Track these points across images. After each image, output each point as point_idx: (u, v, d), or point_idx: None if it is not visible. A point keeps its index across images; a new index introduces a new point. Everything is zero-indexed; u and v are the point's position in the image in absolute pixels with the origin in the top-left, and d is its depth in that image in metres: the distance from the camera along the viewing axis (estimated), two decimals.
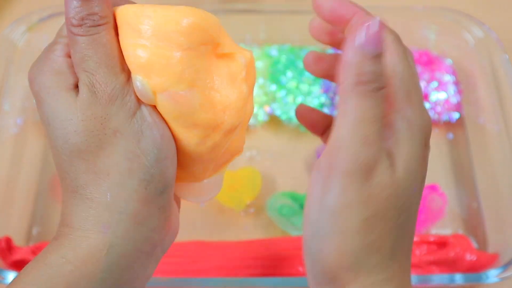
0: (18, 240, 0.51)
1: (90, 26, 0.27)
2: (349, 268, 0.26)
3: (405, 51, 0.30)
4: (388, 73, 0.28)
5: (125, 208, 0.27)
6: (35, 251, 0.49)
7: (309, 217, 0.27)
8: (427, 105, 0.60)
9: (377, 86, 0.26)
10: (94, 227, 0.27)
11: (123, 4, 0.29)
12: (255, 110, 0.59)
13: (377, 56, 0.26)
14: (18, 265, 0.48)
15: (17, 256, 0.48)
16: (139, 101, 0.28)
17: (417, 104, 0.28)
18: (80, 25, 0.27)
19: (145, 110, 0.27)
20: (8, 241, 0.49)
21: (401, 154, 0.27)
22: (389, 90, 0.28)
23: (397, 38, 0.31)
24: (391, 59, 0.29)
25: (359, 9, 0.30)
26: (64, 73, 0.28)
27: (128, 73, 0.28)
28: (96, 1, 0.27)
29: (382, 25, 0.27)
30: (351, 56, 0.26)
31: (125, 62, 0.28)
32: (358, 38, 0.26)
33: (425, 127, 0.28)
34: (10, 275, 0.44)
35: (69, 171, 0.28)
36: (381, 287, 0.26)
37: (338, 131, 0.26)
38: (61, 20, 0.67)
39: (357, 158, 0.25)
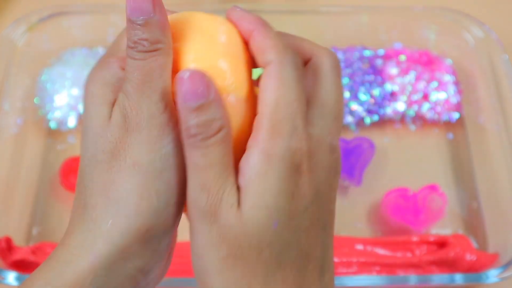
0: (18, 240, 0.51)
1: (138, 51, 0.26)
2: None
3: (289, 77, 0.27)
4: (261, 99, 0.27)
5: (120, 241, 0.26)
6: (35, 251, 0.49)
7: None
8: (427, 105, 0.60)
9: (208, 134, 0.26)
10: (86, 253, 0.26)
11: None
12: None
13: (203, 106, 0.25)
14: (18, 265, 0.48)
15: (17, 256, 0.48)
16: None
17: (284, 134, 0.26)
18: (132, 48, 0.27)
19: (171, 149, 0.26)
20: (8, 241, 0.49)
21: (250, 191, 0.26)
22: (256, 119, 0.27)
23: (284, 65, 0.27)
24: (268, 84, 0.26)
25: (256, 25, 0.29)
26: (113, 86, 0.28)
27: (168, 104, 0.27)
28: (149, 27, 0.26)
29: (198, 75, 0.26)
30: (179, 111, 0.26)
31: (170, 91, 0.27)
32: (178, 93, 0.26)
33: (290, 160, 0.26)
34: (10, 275, 0.44)
35: (88, 186, 0.27)
36: None
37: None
38: (61, 20, 0.67)
39: (197, 204, 0.26)
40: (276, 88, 0.26)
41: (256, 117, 0.27)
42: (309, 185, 0.27)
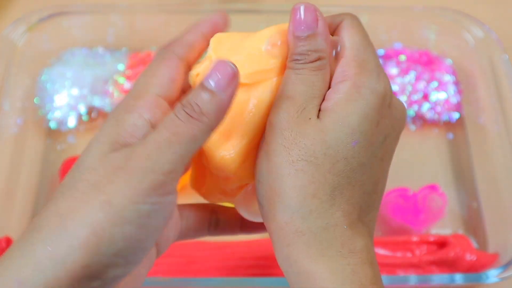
0: None
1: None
2: (289, 216, 0.27)
3: (361, 29, 0.32)
4: (343, 45, 0.30)
5: (50, 271, 0.24)
6: None
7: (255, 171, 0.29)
8: (426, 105, 0.60)
9: (307, 60, 0.29)
10: (11, 275, 0.24)
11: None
12: None
13: (309, 36, 0.29)
14: None
15: None
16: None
17: (371, 71, 0.29)
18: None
19: (151, 210, 0.25)
20: (8, 241, 0.49)
21: (336, 110, 0.28)
22: (341, 61, 0.30)
23: (355, 20, 0.33)
24: (346, 33, 0.31)
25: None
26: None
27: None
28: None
29: (310, 8, 0.30)
30: (289, 39, 0.30)
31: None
32: (292, 22, 0.29)
33: (379, 92, 0.28)
34: None
35: (82, 179, 0.26)
36: (323, 231, 0.27)
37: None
38: (61, 20, 0.67)
39: (277, 112, 0.28)
40: (356, 34, 0.31)
41: (342, 60, 0.30)
42: (389, 120, 0.29)
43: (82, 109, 0.59)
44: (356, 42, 0.30)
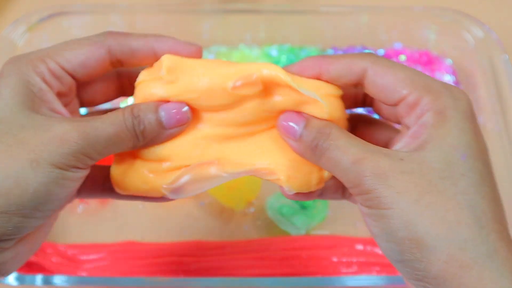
0: None
1: None
2: (445, 254, 0.26)
3: (391, 63, 0.31)
4: (392, 89, 0.30)
5: None
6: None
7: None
8: None
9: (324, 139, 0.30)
10: None
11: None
12: None
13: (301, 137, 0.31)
14: None
15: None
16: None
17: (440, 90, 0.29)
18: None
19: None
20: None
21: (428, 140, 0.27)
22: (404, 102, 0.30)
23: (379, 60, 0.31)
24: (384, 77, 0.30)
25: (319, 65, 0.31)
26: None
27: None
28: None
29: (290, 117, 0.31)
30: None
31: None
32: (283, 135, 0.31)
33: (462, 106, 0.29)
34: (10, 275, 0.44)
35: (7, 133, 0.29)
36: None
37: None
38: (61, 20, 0.67)
39: (360, 181, 0.28)
40: (392, 70, 0.30)
41: (404, 101, 0.29)
42: (479, 129, 0.29)
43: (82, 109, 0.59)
44: (402, 77, 0.29)
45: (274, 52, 0.64)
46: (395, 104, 0.30)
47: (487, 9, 0.68)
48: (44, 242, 0.51)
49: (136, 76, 0.33)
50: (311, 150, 0.30)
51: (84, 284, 0.45)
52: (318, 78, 0.31)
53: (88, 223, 0.54)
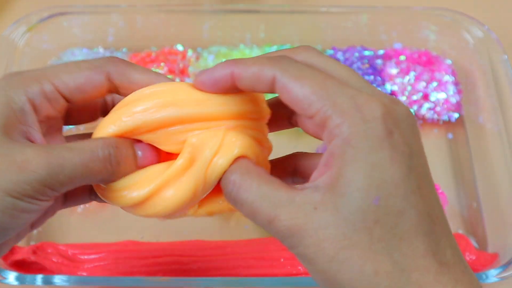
0: None
1: None
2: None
3: (299, 67, 0.28)
4: (296, 103, 0.27)
5: None
6: (35, 251, 0.49)
7: None
8: (426, 105, 0.60)
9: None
10: None
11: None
12: None
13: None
14: (19, 265, 0.48)
15: (17, 256, 0.48)
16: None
17: (348, 110, 0.26)
18: None
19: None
20: None
21: (333, 184, 0.26)
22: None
23: (291, 63, 0.28)
24: (286, 91, 0.27)
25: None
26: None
27: None
28: None
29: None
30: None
31: None
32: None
33: (375, 127, 0.25)
34: (11, 275, 0.44)
35: None
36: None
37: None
38: (61, 20, 0.67)
39: (277, 235, 0.27)
40: (298, 81, 0.27)
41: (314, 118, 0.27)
42: (402, 138, 0.26)
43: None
44: (309, 92, 0.26)
45: None
46: (309, 118, 0.27)
47: (487, 9, 0.68)
48: (44, 242, 0.51)
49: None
50: (226, 198, 0.29)
51: (84, 284, 0.45)
52: (234, 87, 0.29)
53: (88, 223, 0.54)
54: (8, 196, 0.26)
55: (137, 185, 0.30)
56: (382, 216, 0.25)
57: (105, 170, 0.29)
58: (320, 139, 0.28)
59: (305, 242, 0.25)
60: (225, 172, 0.29)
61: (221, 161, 0.29)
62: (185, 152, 0.30)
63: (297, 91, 0.26)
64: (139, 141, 0.31)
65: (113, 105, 0.34)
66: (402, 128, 0.26)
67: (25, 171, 0.26)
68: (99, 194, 0.32)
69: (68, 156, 0.28)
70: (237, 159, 0.29)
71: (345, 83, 0.27)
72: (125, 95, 0.31)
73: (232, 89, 0.29)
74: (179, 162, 0.30)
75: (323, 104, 0.26)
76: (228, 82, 0.29)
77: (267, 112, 0.32)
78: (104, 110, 0.35)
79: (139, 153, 0.31)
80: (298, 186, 0.27)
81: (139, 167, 0.31)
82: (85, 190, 0.34)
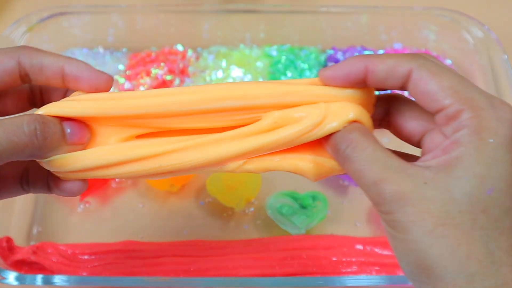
0: (18, 240, 0.51)
1: None
2: (451, 286, 0.26)
3: (441, 69, 0.29)
4: (432, 98, 0.28)
5: None
6: (35, 251, 0.49)
7: None
8: None
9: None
10: None
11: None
12: None
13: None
14: (19, 265, 0.48)
15: (18, 256, 0.48)
16: None
17: (484, 107, 0.27)
18: None
19: None
20: (9, 241, 0.49)
21: (456, 165, 0.26)
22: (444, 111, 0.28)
23: (428, 62, 0.29)
24: (428, 84, 0.28)
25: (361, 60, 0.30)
26: None
27: None
28: None
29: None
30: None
31: None
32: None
33: (504, 132, 0.27)
34: (11, 275, 0.44)
35: None
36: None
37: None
38: (61, 20, 0.67)
39: (379, 198, 0.27)
40: (439, 77, 0.28)
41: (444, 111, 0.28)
42: None
43: None
44: (447, 86, 0.28)
45: (274, 52, 0.64)
46: (435, 112, 0.28)
47: (487, 9, 0.68)
48: (44, 242, 0.51)
49: (47, 88, 0.35)
50: (336, 154, 0.30)
51: (84, 284, 0.45)
52: (364, 81, 0.30)
53: (88, 223, 0.54)
54: None
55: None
56: (490, 207, 0.26)
57: (31, 144, 0.30)
58: (411, 142, 0.30)
59: (405, 209, 0.26)
60: (337, 132, 0.30)
61: (335, 124, 0.30)
62: (267, 119, 0.31)
63: (433, 84, 0.28)
64: (69, 119, 0.32)
65: (41, 95, 0.35)
66: None
67: None
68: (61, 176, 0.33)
69: None
70: (352, 123, 0.30)
71: (478, 87, 0.28)
72: (36, 81, 0.33)
73: (361, 84, 0.30)
74: (264, 122, 0.31)
75: (459, 98, 0.27)
76: (360, 75, 0.30)
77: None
78: (33, 101, 0.36)
79: (68, 130, 0.32)
80: (409, 162, 0.28)
81: (68, 143, 0.32)
82: (15, 182, 0.34)
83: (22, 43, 0.58)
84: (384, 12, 0.63)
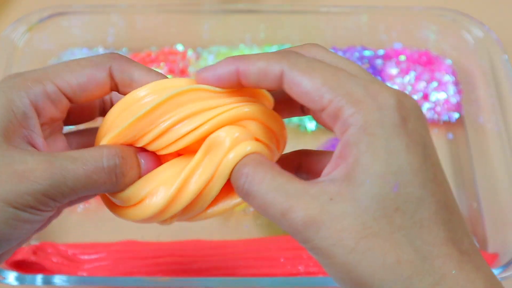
0: None
1: None
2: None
3: (308, 62, 0.27)
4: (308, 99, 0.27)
5: None
6: (35, 251, 0.49)
7: None
8: (426, 105, 0.60)
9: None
10: None
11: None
12: None
13: None
14: (19, 265, 0.48)
15: (18, 256, 0.48)
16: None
17: (362, 100, 0.25)
18: None
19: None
20: None
21: (350, 173, 0.25)
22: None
23: (299, 58, 0.28)
24: (296, 83, 0.27)
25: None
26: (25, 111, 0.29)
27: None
28: None
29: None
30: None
31: None
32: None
33: (390, 117, 0.25)
34: (11, 275, 0.44)
35: None
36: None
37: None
38: (61, 20, 0.67)
39: (291, 230, 0.26)
40: (313, 72, 0.26)
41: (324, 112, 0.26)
42: (416, 127, 0.26)
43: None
44: (320, 83, 0.26)
45: None
46: (320, 111, 0.27)
47: (487, 9, 0.68)
48: (44, 242, 0.51)
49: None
50: (237, 191, 0.28)
51: (84, 284, 0.45)
52: (238, 83, 0.29)
53: (88, 223, 0.54)
54: (10, 206, 0.26)
55: (153, 192, 0.29)
56: (401, 204, 0.25)
57: (109, 181, 0.28)
58: (331, 130, 0.28)
59: (321, 234, 0.25)
60: (236, 165, 0.28)
61: (232, 156, 0.28)
62: (202, 147, 0.29)
63: (307, 84, 0.26)
64: (141, 148, 0.30)
65: (112, 104, 0.33)
66: (414, 118, 0.26)
67: (27, 181, 0.26)
68: (112, 212, 0.31)
69: (71, 167, 0.27)
70: (249, 154, 0.28)
71: (355, 75, 0.27)
72: (124, 93, 0.31)
73: (235, 85, 0.29)
74: (197, 156, 0.29)
75: (336, 95, 0.26)
76: (232, 78, 0.28)
77: (270, 101, 0.31)
78: (103, 109, 0.34)
79: (142, 161, 0.30)
80: (311, 181, 0.26)
81: (141, 176, 0.30)
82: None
83: (22, 43, 0.58)
84: (384, 12, 0.64)
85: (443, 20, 0.62)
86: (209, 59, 0.63)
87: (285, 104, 0.31)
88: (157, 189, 0.29)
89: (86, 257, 0.50)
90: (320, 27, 0.64)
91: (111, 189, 0.29)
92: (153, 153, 0.30)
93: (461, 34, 0.60)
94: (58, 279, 0.45)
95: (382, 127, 0.25)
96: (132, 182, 0.29)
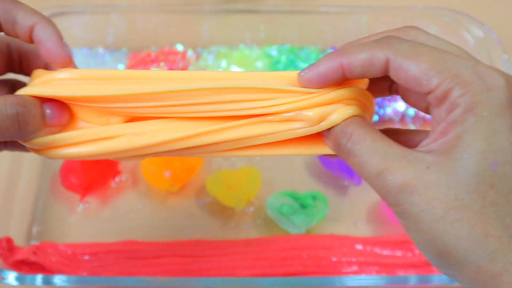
0: (18, 240, 0.51)
1: None
2: (475, 266, 0.25)
3: (415, 45, 0.28)
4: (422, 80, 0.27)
5: None
6: (35, 251, 0.49)
7: None
8: None
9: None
10: None
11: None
12: None
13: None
14: (19, 265, 0.48)
15: (18, 256, 0.48)
16: None
17: (471, 81, 0.26)
18: None
19: None
20: (9, 241, 0.49)
21: (454, 145, 0.26)
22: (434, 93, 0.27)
23: (401, 41, 0.28)
24: (406, 66, 0.27)
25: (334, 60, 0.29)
26: None
27: None
28: None
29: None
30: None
31: None
32: None
33: (498, 99, 0.26)
34: (11, 275, 0.44)
35: None
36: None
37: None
38: (61, 20, 0.67)
39: (381, 191, 0.27)
40: (420, 56, 0.27)
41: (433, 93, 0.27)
42: None
43: None
44: (427, 67, 0.26)
45: (274, 52, 0.64)
46: (426, 94, 0.27)
47: (487, 9, 0.68)
48: (44, 242, 0.51)
49: (27, 53, 0.34)
50: (337, 149, 0.30)
51: (84, 284, 0.45)
52: (344, 78, 0.29)
53: (88, 223, 0.54)
54: None
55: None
56: (497, 181, 0.25)
57: (12, 128, 0.30)
58: (427, 112, 0.29)
59: (412, 199, 0.26)
60: (335, 126, 0.30)
61: (334, 117, 0.29)
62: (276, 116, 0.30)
63: (414, 69, 0.27)
64: (50, 99, 0.31)
65: (20, 61, 0.35)
66: None
67: None
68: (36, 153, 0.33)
69: None
70: (351, 117, 0.30)
71: (459, 56, 0.27)
72: (9, 35, 0.32)
73: (340, 81, 0.30)
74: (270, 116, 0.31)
75: (444, 77, 0.26)
76: (337, 74, 0.29)
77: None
78: (11, 65, 0.35)
79: (48, 111, 0.31)
80: (409, 149, 0.27)
81: (48, 125, 0.31)
82: None
83: None
84: (384, 12, 0.63)
85: (443, 20, 0.62)
86: (209, 59, 0.63)
87: (375, 85, 0.32)
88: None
89: (86, 257, 0.50)
90: (320, 27, 0.64)
91: (17, 135, 0.30)
92: (61, 104, 0.31)
93: (461, 34, 0.60)
94: (58, 279, 0.45)
95: (489, 107, 0.26)
96: (36, 130, 0.31)
